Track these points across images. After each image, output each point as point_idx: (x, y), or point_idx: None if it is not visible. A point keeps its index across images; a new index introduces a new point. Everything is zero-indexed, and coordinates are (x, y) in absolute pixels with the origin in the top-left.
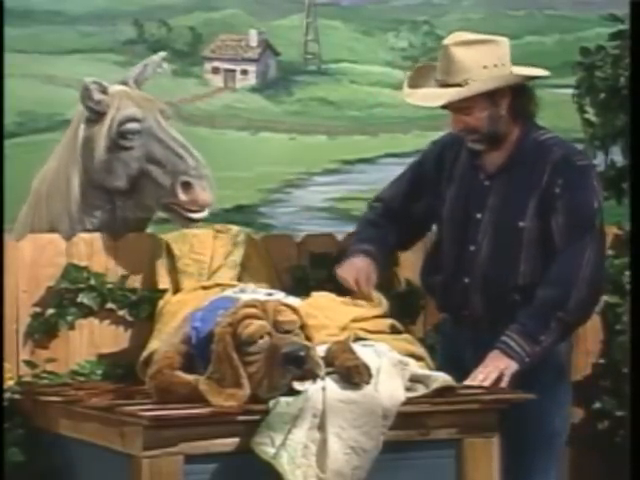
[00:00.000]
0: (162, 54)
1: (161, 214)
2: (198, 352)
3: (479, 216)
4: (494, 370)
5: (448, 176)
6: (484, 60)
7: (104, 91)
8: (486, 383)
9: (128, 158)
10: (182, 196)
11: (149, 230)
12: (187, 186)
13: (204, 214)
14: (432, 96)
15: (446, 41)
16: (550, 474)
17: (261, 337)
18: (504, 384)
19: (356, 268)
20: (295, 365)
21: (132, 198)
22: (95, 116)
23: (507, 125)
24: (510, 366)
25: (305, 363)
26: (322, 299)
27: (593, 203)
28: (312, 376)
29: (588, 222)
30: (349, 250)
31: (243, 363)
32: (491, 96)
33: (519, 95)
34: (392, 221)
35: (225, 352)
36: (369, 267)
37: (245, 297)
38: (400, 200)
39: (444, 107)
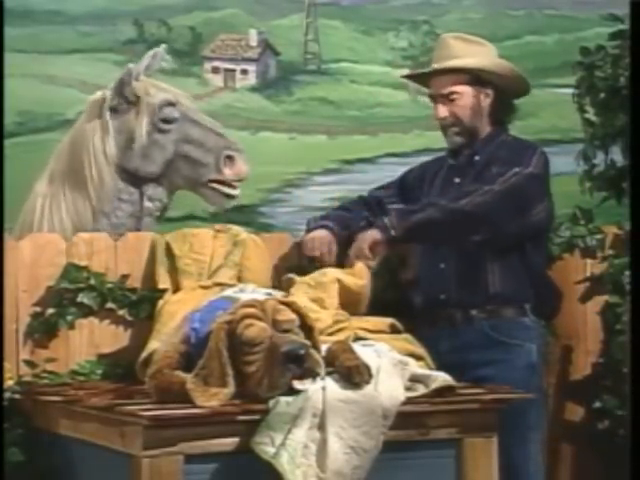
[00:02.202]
0: (164, 45)
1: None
2: (197, 353)
3: None
4: (362, 243)
5: (428, 185)
6: (476, 53)
7: (137, 78)
8: (352, 252)
9: (165, 141)
10: (226, 170)
11: (150, 230)
12: (231, 160)
13: (239, 191)
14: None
15: (443, 35)
16: (529, 468)
17: (262, 342)
18: (366, 252)
19: (318, 242)
20: (295, 364)
21: (162, 184)
22: (125, 105)
23: (484, 125)
24: (374, 235)
25: (305, 362)
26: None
27: (527, 167)
28: (312, 375)
29: (513, 173)
30: (310, 227)
31: (242, 363)
32: (477, 90)
33: (502, 102)
34: (362, 208)
35: (216, 348)
36: (328, 238)
37: (244, 297)
38: (378, 194)
39: (433, 98)
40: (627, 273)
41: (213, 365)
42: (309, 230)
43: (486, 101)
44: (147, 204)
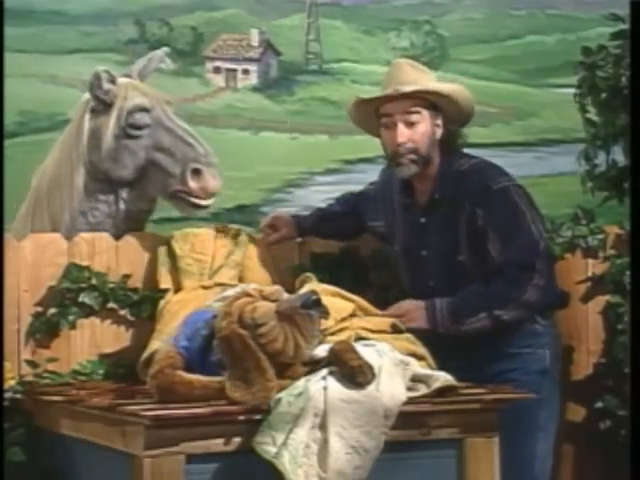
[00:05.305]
0: (165, 49)
1: (164, 208)
2: (197, 365)
3: (424, 253)
4: (407, 314)
5: (398, 223)
6: (428, 79)
7: (113, 81)
8: (390, 311)
9: (136, 147)
10: (192, 183)
11: (150, 229)
12: (197, 173)
13: (211, 201)
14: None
15: (398, 60)
16: (534, 467)
17: (272, 317)
18: (404, 323)
19: (274, 217)
20: (315, 308)
21: (136, 189)
22: (101, 106)
23: (435, 152)
24: (420, 324)
25: (321, 304)
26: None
27: (524, 216)
28: (326, 317)
29: (521, 236)
30: None
31: (267, 344)
32: (434, 118)
33: (450, 131)
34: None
35: (243, 346)
36: (285, 218)
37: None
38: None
39: (386, 124)
40: (628, 273)
41: (246, 365)
42: None
43: (439, 132)
44: (122, 207)
